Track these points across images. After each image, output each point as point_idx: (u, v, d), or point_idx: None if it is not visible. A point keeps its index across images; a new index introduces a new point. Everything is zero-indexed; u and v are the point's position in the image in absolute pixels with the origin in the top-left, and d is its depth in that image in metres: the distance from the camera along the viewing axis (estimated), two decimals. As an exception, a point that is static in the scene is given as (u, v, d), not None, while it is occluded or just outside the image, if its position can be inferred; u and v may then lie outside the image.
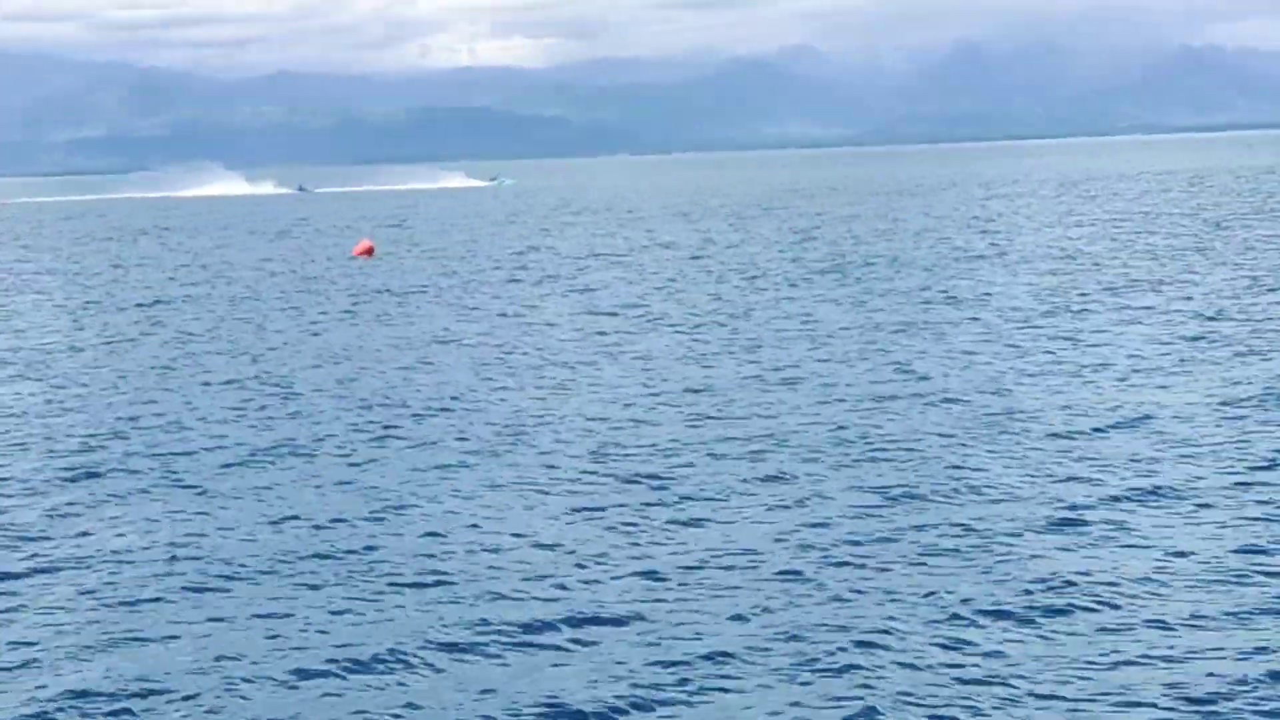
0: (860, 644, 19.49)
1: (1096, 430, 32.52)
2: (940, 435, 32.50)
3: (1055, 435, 32.12)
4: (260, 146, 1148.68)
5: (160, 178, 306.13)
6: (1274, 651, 18.79)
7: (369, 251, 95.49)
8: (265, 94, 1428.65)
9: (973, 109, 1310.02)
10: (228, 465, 31.77)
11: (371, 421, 36.13)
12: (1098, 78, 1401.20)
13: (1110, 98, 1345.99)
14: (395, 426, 35.42)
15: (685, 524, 25.85)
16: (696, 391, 39.20)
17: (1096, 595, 21.13)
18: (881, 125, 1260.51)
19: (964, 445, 31.45)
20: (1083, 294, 59.31)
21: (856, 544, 24.10)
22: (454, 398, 39.26)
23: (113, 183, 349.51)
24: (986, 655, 19.05)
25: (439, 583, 22.70)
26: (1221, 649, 19.00)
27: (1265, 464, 28.74)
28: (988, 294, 60.63)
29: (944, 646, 19.38)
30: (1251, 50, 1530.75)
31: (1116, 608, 20.64)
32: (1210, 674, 18.21)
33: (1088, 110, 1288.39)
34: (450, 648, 19.90)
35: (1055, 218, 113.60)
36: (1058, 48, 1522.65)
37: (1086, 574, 22.08)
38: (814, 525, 25.38)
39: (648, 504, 27.41)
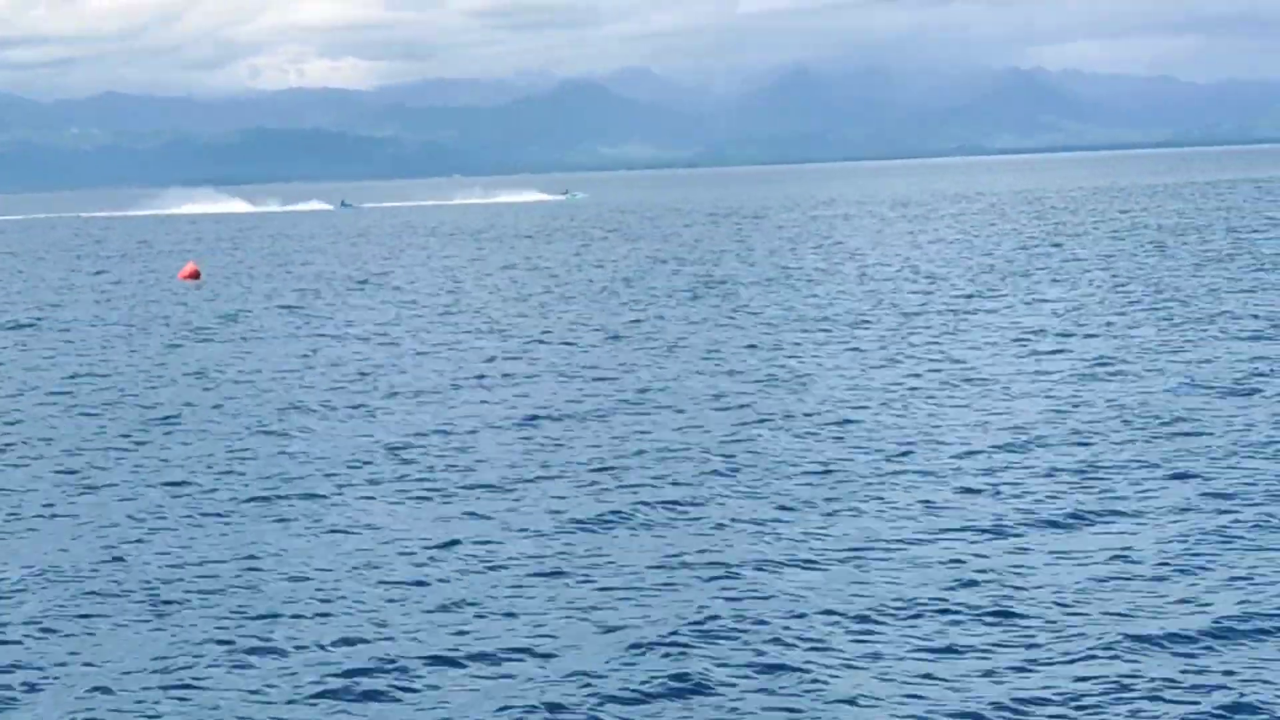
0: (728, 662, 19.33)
1: (937, 444, 32.73)
2: (797, 445, 32.56)
3: (893, 452, 32.34)
4: (88, 168, 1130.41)
5: (166, 196, 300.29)
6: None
7: (195, 275, 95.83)
8: (92, 115, 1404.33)
9: (805, 131, 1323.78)
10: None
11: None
12: (926, 100, 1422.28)
13: (939, 120, 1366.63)
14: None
15: (517, 536, 25.55)
16: (555, 419, 38.89)
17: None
18: (716, 147, 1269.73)
19: (811, 460, 31.51)
20: (923, 312, 59.95)
21: (735, 562, 23.98)
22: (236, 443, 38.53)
23: (112, 198, 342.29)
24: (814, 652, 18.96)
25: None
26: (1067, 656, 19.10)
27: (1103, 482, 29.18)
28: (833, 312, 61.07)
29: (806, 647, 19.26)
30: (1076, 73, 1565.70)
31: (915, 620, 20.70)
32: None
33: (916, 132, 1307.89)
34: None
35: (897, 237, 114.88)
36: (887, 71, 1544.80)
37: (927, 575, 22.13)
38: (703, 546, 25.22)
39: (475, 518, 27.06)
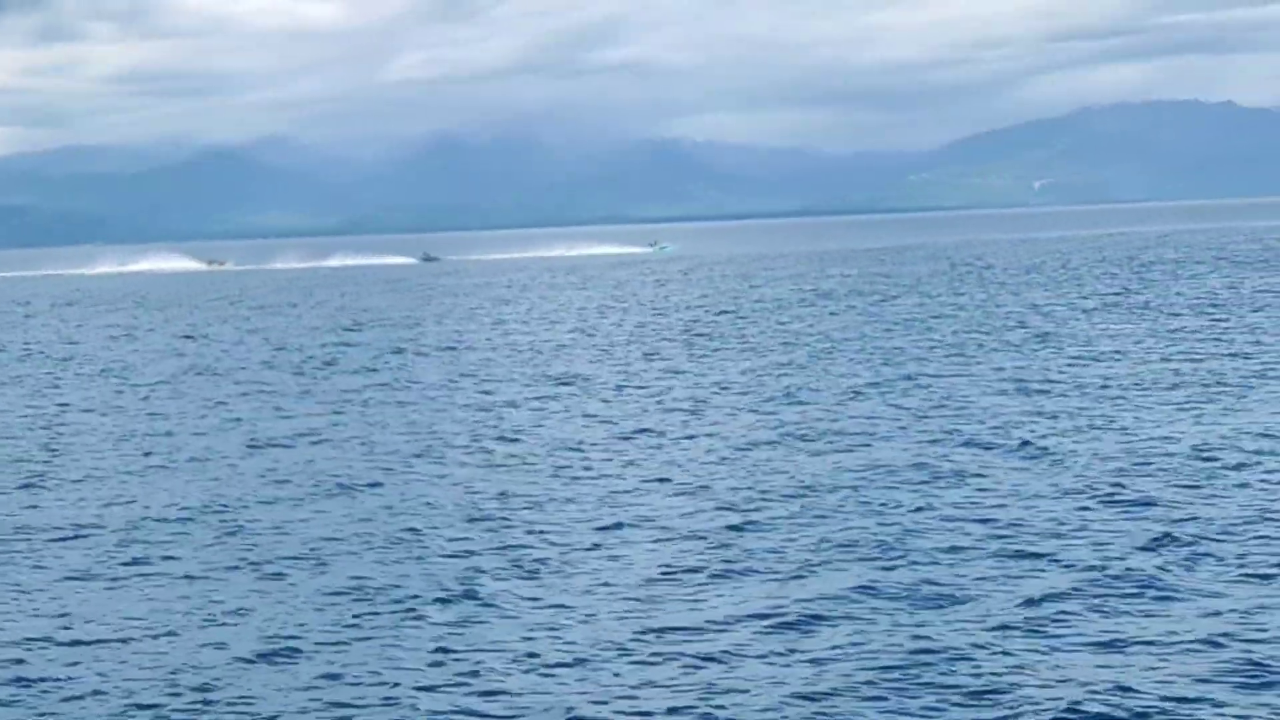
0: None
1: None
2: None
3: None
4: None
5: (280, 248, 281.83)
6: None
7: None
8: None
9: (453, 199, 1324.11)
10: None
11: None
12: (571, 169, 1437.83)
13: (584, 188, 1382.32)
14: None
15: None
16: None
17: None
18: (364, 214, 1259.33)
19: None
20: (532, 384, 60.91)
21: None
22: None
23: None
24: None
25: None
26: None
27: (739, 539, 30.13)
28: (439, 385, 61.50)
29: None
30: (715, 143, 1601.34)
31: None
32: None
33: (562, 201, 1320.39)
34: None
35: (552, 308, 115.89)
36: (532, 140, 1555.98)
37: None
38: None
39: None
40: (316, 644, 24.07)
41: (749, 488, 35.95)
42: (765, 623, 24.44)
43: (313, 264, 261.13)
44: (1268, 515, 31.06)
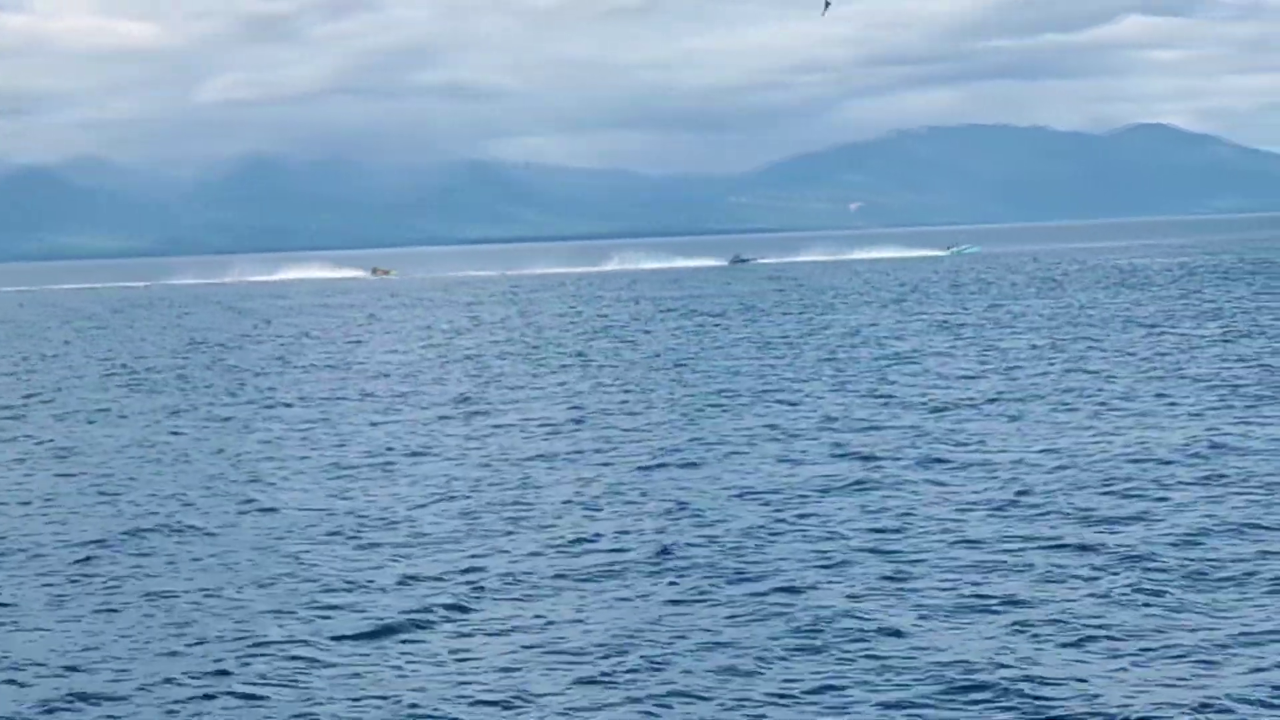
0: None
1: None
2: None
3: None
4: None
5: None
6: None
7: None
8: None
9: (272, 220, 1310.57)
10: None
11: None
12: (392, 191, 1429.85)
13: (407, 210, 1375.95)
14: None
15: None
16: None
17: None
18: (180, 235, 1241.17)
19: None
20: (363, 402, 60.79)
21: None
22: None
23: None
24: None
25: None
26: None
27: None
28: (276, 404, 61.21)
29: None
30: (536, 166, 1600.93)
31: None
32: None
33: (386, 222, 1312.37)
34: None
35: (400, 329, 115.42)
36: (354, 162, 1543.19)
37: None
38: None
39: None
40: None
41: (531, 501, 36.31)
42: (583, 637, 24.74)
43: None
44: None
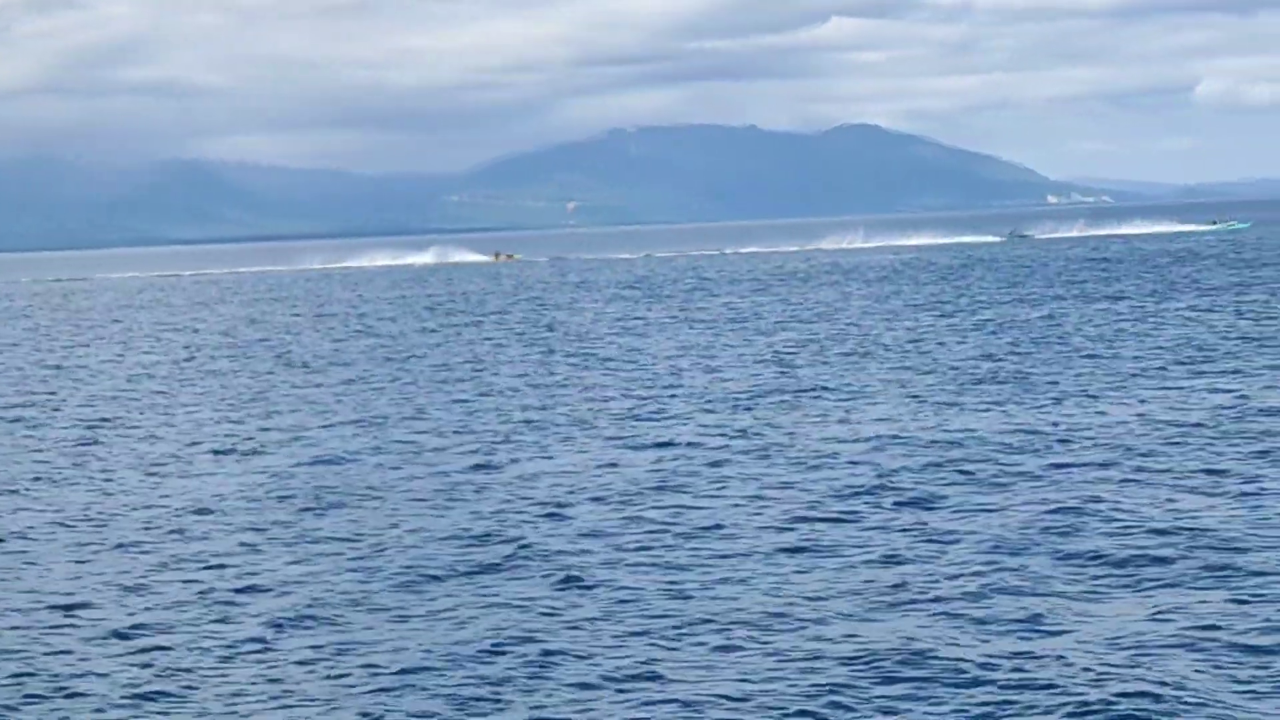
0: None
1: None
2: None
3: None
4: None
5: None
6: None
7: None
8: None
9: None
10: None
11: None
12: (99, 191, 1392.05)
13: (113, 211, 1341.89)
14: None
15: None
16: None
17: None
18: None
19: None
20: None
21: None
22: None
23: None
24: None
25: None
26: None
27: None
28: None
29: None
30: (246, 165, 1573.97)
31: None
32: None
33: (91, 223, 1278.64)
34: None
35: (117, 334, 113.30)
36: (57, 161, 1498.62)
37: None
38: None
39: None
40: None
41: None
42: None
43: None
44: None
